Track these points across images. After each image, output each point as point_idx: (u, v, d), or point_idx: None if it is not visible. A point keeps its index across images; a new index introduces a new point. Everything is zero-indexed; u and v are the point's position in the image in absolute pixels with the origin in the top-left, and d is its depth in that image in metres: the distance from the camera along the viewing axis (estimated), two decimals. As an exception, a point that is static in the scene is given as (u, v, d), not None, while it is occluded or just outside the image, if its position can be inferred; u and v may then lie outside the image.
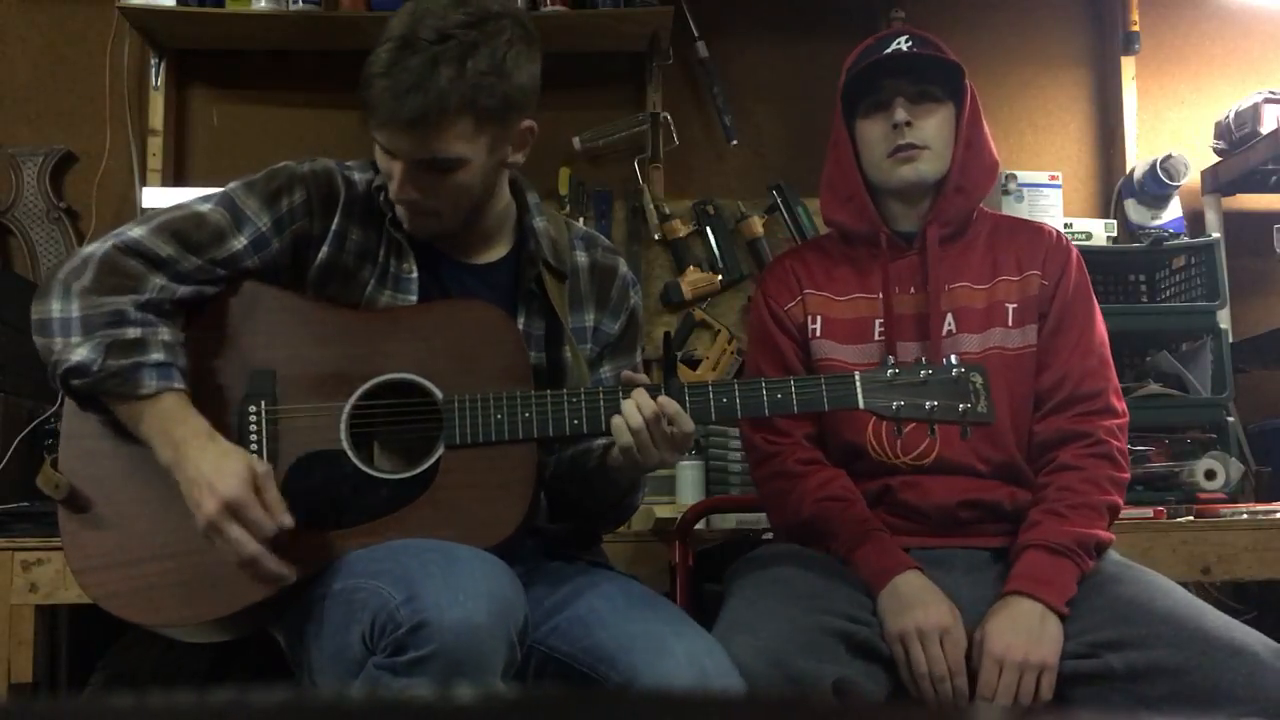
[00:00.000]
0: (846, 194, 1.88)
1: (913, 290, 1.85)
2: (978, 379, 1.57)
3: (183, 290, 1.54)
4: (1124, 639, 1.56)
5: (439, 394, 1.54)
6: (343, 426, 1.54)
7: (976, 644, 1.62)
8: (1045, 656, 1.58)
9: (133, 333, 1.49)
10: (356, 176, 1.65)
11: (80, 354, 1.47)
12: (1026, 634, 1.59)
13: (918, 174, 1.82)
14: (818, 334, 1.85)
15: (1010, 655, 1.58)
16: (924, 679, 1.59)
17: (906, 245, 1.86)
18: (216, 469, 1.45)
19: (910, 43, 1.82)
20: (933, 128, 1.82)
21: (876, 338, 1.83)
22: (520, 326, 1.67)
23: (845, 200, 1.88)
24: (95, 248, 1.54)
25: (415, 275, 1.63)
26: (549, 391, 1.55)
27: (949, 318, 1.83)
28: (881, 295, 1.84)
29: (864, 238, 1.88)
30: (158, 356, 1.49)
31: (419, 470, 1.53)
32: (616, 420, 1.51)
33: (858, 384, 1.56)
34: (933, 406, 1.55)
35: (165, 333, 1.52)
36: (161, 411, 1.49)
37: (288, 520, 1.46)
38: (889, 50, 1.82)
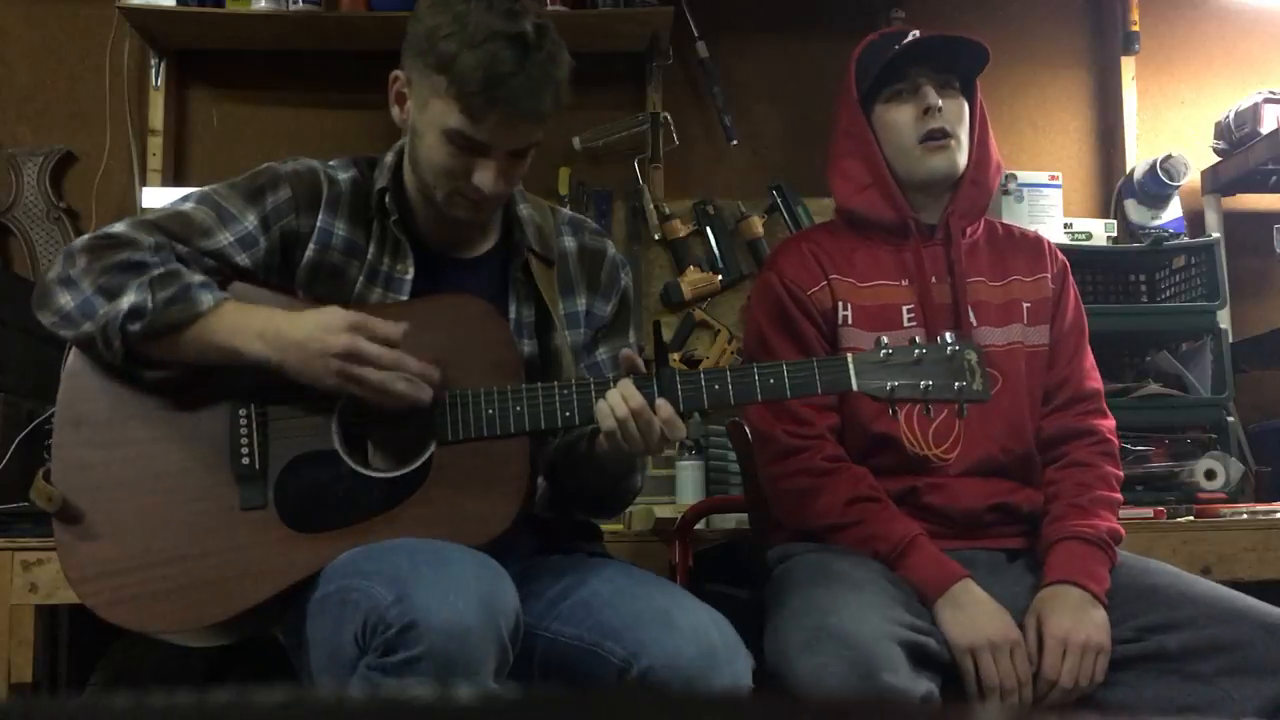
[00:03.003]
0: (867, 182, 1.85)
1: (934, 280, 1.83)
2: (972, 356, 1.55)
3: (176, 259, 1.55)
4: (1173, 621, 1.60)
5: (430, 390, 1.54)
6: (334, 426, 1.54)
7: (1032, 633, 1.64)
8: (1102, 640, 1.61)
9: (159, 270, 1.50)
10: (340, 175, 1.65)
11: (128, 300, 1.48)
12: (1082, 619, 1.62)
13: (950, 164, 1.81)
14: (849, 321, 1.81)
15: (1074, 638, 1.60)
16: (995, 692, 1.59)
17: (930, 235, 1.86)
18: (318, 325, 1.48)
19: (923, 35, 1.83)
20: (956, 120, 1.82)
21: (905, 325, 1.80)
22: (511, 315, 1.67)
23: (865, 188, 1.85)
24: (71, 243, 1.55)
25: (410, 276, 1.63)
26: (540, 385, 1.54)
27: (970, 310, 1.83)
28: (912, 283, 1.82)
29: (887, 226, 1.85)
30: (199, 278, 1.51)
31: (411, 468, 1.52)
32: (600, 405, 1.50)
33: (850, 365, 1.54)
34: (928, 386, 1.53)
35: (183, 265, 1.53)
36: (229, 316, 1.50)
37: (399, 331, 1.49)
38: (908, 39, 1.81)
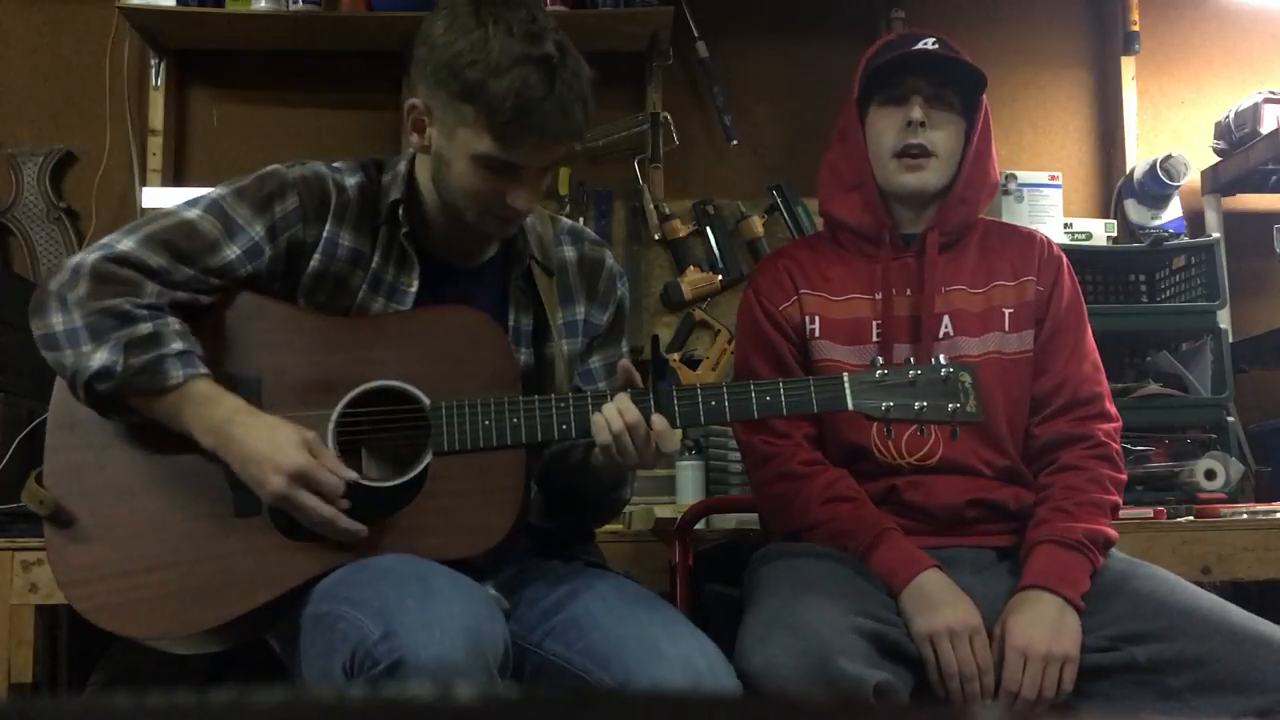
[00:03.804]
0: (853, 183, 1.86)
1: (909, 292, 1.84)
2: (966, 378, 1.56)
3: (178, 296, 1.53)
4: (1146, 632, 1.58)
5: (426, 401, 1.53)
6: (330, 435, 1.53)
7: (997, 639, 1.63)
8: (1068, 649, 1.59)
9: (145, 328, 1.48)
10: (347, 180, 1.64)
11: (100, 358, 1.46)
12: (1048, 627, 1.60)
13: (921, 183, 1.82)
14: (817, 334, 1.84)
15: (1034, 648, 1.58)
16: (954, 679, 1.59)
17: (905, 247, 1.86)
18: (271, 443, 1.46)
19: (936, 44, 1.83)
20: (943, 137, 1.82)
21: (874, 339, 1.82)
22: (510, 324, 1.67)
23: (850, 189, 1.87)
24: (82, 258, 1.52)
25: (414, 290, 1.63)
26: (536, 397, 1.54)
27: (946, 320, 1.82)
28: (880, 296, 1.83)
29: (864, 234, 1.86)
30: (177, 346, 1.49)
31: (407, 478, 1.52)
32: (596, 418, 1.51)
33: (846, 385, 1.55)
34: (922, 407, 1.54)
35: (175, 323, 1.51)
36: (193, 398, 1.48)
37: (349, 474, 1.48)
38: (915, 47, 1.81)
